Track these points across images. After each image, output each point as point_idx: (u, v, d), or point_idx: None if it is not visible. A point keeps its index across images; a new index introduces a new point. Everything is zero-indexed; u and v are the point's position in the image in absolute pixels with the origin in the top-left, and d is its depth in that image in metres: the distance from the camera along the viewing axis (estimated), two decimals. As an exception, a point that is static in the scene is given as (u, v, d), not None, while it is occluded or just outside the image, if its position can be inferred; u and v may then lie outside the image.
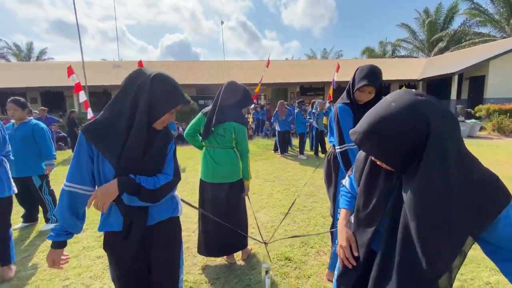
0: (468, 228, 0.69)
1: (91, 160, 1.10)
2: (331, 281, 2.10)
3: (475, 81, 13.88)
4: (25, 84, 13.47)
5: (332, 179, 1.99)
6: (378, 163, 0.84)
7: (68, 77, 9.86)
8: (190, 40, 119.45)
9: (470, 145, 8.22)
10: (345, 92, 1.89)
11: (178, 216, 1.33)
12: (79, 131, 1.11)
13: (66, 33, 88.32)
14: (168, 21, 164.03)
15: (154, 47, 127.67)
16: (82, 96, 9.63)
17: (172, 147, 1.26)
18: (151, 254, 1.22)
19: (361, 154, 1.02)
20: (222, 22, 53.82)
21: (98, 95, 14.71)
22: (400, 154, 0.73)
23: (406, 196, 0.73)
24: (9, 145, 2.42)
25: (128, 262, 1.18)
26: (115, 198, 1.06)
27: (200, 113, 2.25)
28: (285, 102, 8.06)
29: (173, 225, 1.29)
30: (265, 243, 2.30)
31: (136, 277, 1.21)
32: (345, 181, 1.17)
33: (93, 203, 1.05)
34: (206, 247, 2.28)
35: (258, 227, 2.66)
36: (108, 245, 1.20)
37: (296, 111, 7.85)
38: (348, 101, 1.83)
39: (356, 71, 1.81)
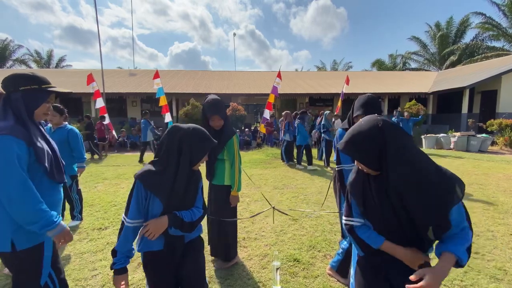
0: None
1: (145, 200, 1.34)
2: (331, 275, 2.33)
3: (487, 95, 13.80)
4: (47, 90, 14.14)
5: (337, 192, 2.32)
6: (360, 167, 1.14)
7: (87, 84, 10.47)
8: (199, 49, 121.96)
9: (480, 159, 8.19)
10: (347, 118, 2.21)
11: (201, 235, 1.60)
12: (136, 179, 1.34)
13: (77, 40, 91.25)
14: (177, 29, 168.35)
15: (164, 55, 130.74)
16: (100, 102, 10.15)
17: (201, 184, 1.51)
18: (184, 265, 1.44)
19: (354, 179, 1.19)
20: (234, 34, 55.07)
21: (114, 101, 15.30)
22: (369, 155, 1.04)
23: (390, 184, 1.00)
24: None
25: (166, 275, 1.41)
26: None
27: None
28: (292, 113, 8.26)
29: (200, 241, 1.57)
30: (273, 208, 2.75)
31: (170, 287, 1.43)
32: (350, 220, 1.19)
33: (145, 232, 1.30)
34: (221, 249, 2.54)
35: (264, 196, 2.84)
36: (148, 263, 1.40)
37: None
38: (348, 127, 2.13)
39: (355, 99, 2.09)
